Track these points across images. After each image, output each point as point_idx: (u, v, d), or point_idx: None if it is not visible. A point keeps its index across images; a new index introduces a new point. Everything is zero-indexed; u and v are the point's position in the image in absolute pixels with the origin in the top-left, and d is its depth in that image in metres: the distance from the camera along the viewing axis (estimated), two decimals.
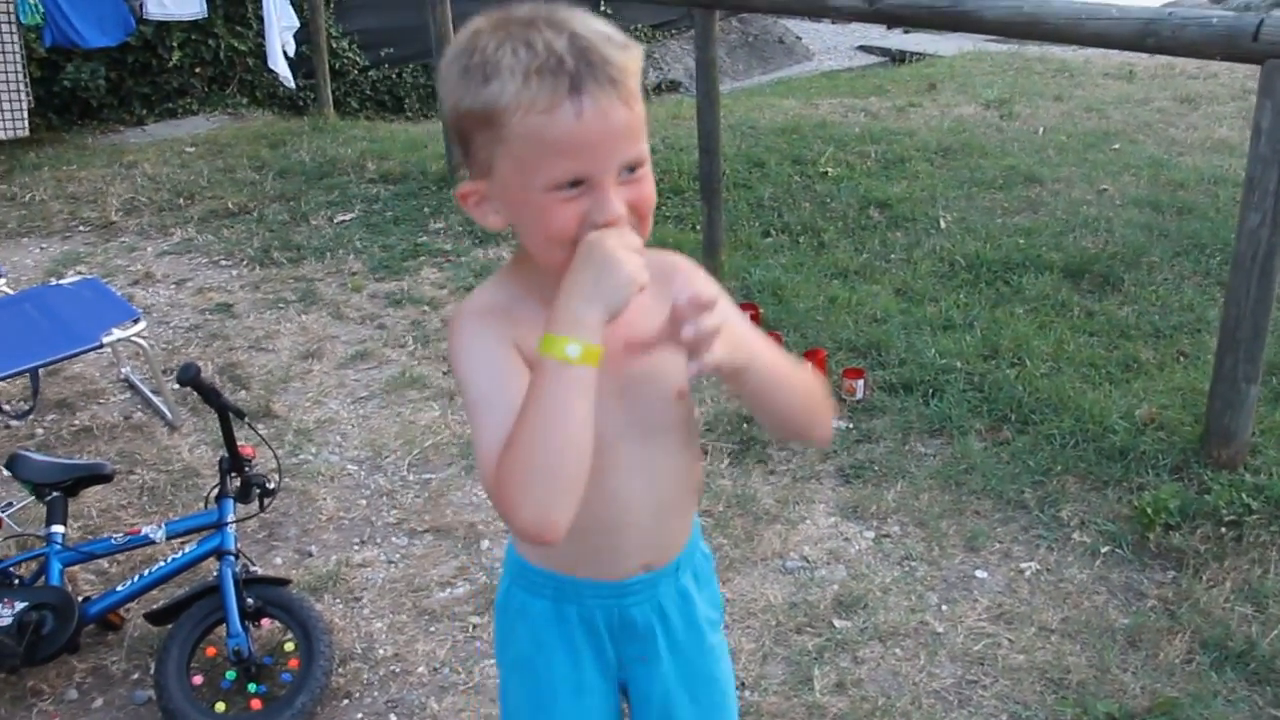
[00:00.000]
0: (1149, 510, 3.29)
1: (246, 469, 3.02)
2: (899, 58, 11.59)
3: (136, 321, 3.98)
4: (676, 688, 1.64)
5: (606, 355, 1.26)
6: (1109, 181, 6.24)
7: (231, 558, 2.86)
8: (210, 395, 2.93)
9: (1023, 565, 3.21)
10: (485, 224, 1.35)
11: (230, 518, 2.95)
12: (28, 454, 3.08)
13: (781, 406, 1.47)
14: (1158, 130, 7.38)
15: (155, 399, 4.26)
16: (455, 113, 1.27)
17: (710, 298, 1.25)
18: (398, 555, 3.33)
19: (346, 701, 2.79)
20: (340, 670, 2.87)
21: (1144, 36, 3.34)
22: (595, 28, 1.25)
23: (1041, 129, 7.41)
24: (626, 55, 1.24)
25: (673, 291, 1.29)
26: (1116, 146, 6.94)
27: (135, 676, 2.91)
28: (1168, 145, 7.00)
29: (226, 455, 3.00)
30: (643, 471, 1.48)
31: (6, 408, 4.12)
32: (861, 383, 4.02)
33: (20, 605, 2.79)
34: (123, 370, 4.50)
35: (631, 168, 1.27)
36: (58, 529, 2.99)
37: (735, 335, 1.33)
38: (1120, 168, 6.50)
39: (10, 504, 3.11)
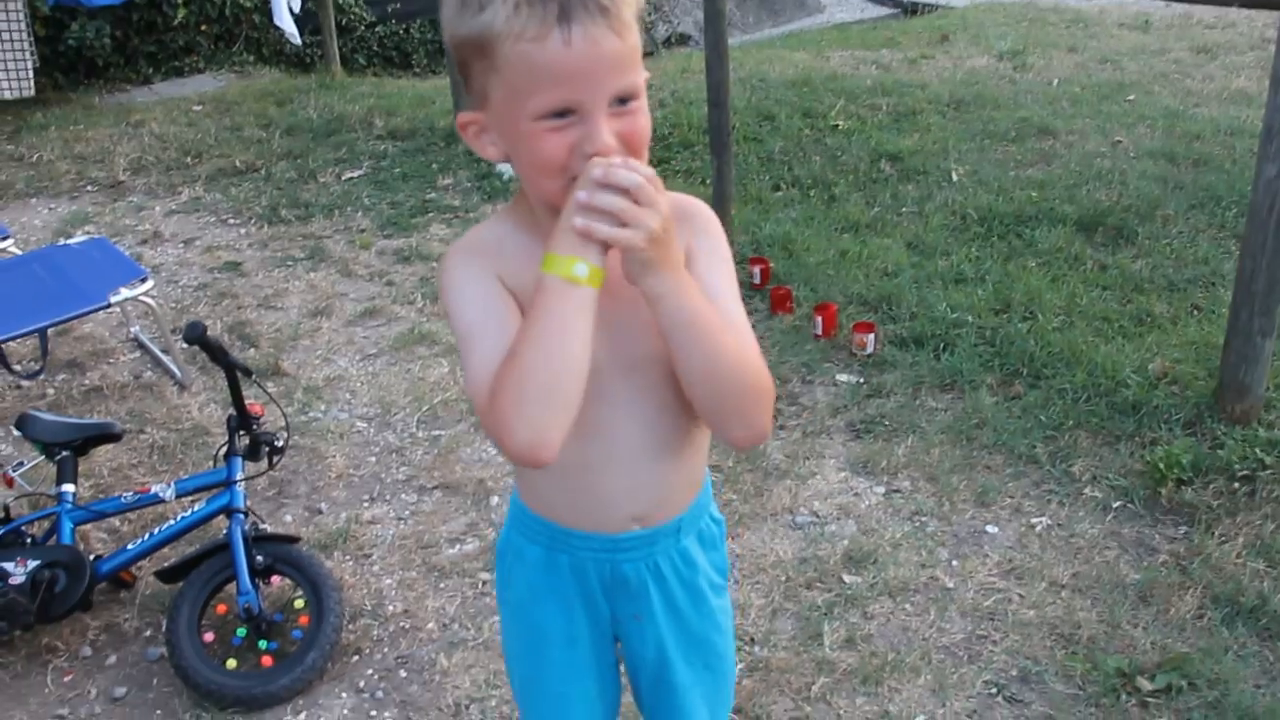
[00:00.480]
0: (1161, 465, 3.27)
1: (255, 427, 3.01)
2: (911, 9, 11.44)
3: (144, 280, 3.97)
4: (671, 649, 1.63)
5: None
6: (1123, 133, 6.17)
7: (241, 515, 2.87)
8: (217, 353, 2.92)
9: (1034, 520, 3.20)
10: (484, 154, 1.35)
11: (239, 476, 2.96)
12: (38, 414, 3.08)
13: (696, 370, 1.34)
14: (1173, 81, 7.28)
15: (164, 358, 4.26)
16: (453, 41, 1.27)
17: (623, 180, 1.21)
18: (407, 512, 3.34)
19: (357, 658, 2.80)
20: (350, 627, 2.88)
21: None
22: None
23: (1055, 81, 7.32)
24: None
25: (683, 234, 1.34)
26: (1131, 98, 6.86)
27: (147, 634, 2.92)
28: (1183, 96, 6.91)
29: (234, 413, 3.00)
30: (628, 406, 1.44)
31: (17, 368, 4.13)
32: (872, 337, 4.00)
33: (33, 563, 2.79)
34: (132, 329, 4.50)
35: (623, 99, 1.25)
36: (68, 488, 3.00)
37: (695, 282, 1.32)
38: (1135, 119, 6.42)
39: (21, 463, 3.11)
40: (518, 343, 1.26)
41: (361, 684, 2.72)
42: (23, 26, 7.09)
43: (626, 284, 1.32)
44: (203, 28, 8.80)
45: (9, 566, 2.79)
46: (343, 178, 6.14)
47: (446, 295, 1.39)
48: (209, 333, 2.89)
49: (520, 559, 1.61)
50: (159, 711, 2.68)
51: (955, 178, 5.60)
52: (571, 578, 1.58)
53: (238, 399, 2.97)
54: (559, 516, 1.55)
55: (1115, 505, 3.23)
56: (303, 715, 2.63)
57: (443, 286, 1.40)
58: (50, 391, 4.12)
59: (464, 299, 1.37)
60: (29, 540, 2.94)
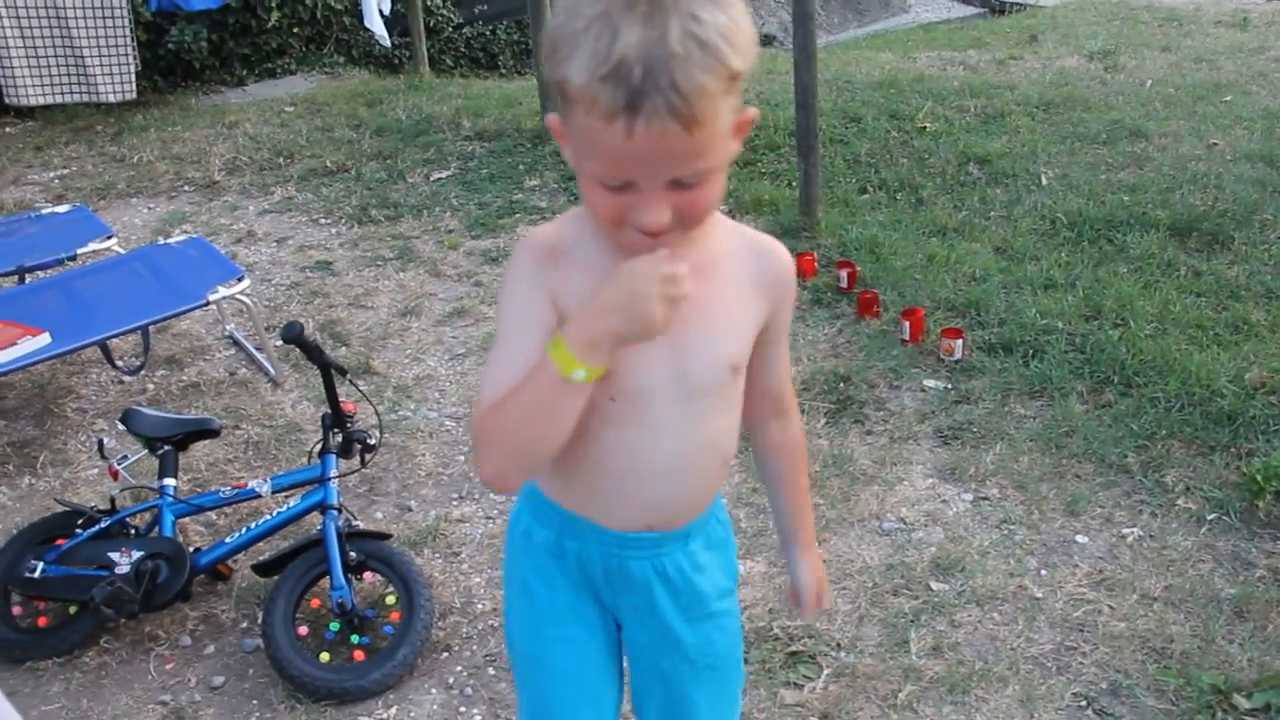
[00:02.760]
0: (1258, 477, 3.20)
1: (348, 425, 3.08)
2: (998, 8, 11.31)
3: (241, 279, 4.07)
4: (670, 646, 1.65)
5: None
6: (1219, 135, 6.03)
7: (334, 512, 2.93)
8: (313, 352, 2.99)
9: (1125, 531, 3.15)
10: (565, 156, 1.35)
11: (333, 473, 3.02)
12: (141, 409, 3.18)
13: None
14: (1273, 81, 7.10)
15: (259, 355, 4.36)
16: (545, 64, 1.26)
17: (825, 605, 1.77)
18: (495, 511, 3.38)
19: (446, 654, 2.85)
20: (440, 624, 2.93)
21: None
22: (696, 29, 1.15)
23: (1148, 81, 7.18)
24: (708, 75, 1.16)
25: (753, 271, 1.49)
26: (1228, 99, 6.70)
27: (244, 625, 3.00)
28: None
29: (329, 411, 3.07)
30: (673, 431, 1.49)
31: (119, 364, 4.26)
32: (960, 343, 3.96)
33: (137, 554, 2.89)
34: (227, 327, 4.62)
35: (693, 181, 1.25)
36: (169, 481, 3.10)
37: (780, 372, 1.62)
38: (1232, 121, 6.27)
39: (125, 456, 3.22)
40: (509, 402, 1.34)
41: (450, 680, 2.76)
42: (126, 31, 7.30)
43: (693, 321, 1.40)
44: (295, 30, 8.99)
45: (115, 556, 2.89)
46: (431, 178, 6.23)
47: (502, 287, 1.45)
48: (305, 332, 2.96)
49: (529, 539, 1.63)
50: (255, 701, 2.75)
51: (1044, 181, 5.53)
52: (577, 564, 1.61)
53: (333, 397, 3.04)
54: (574, 507, 1.57)
55: (1210, 517, 3.17)
56: (394, 710, 2.68)
57: (505, 275, 1.45)
58: (150, 387, 4.24)
59: (510, 298, 1.42)
60: (133, 531, 3.05)
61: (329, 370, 3.01)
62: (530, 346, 1.36)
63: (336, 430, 3.09)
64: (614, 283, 1.32)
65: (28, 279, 4.43)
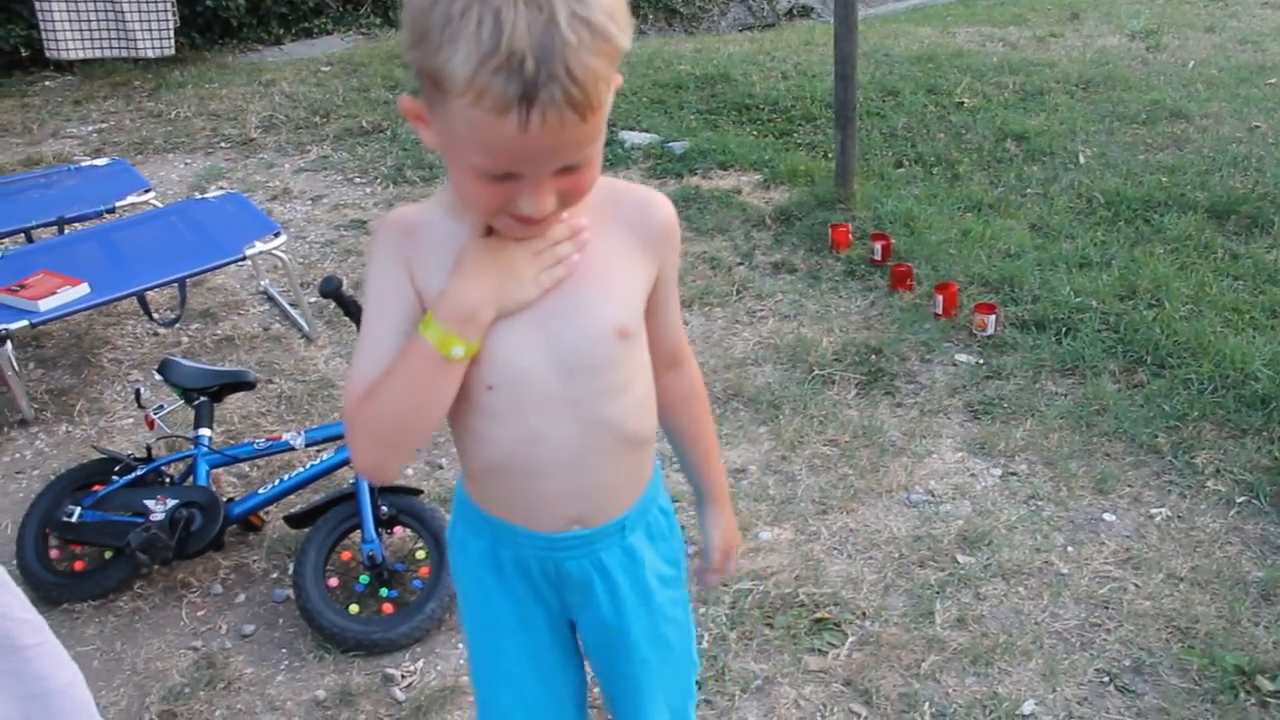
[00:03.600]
0: None
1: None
2: None
3: (277, 235, 4.10)
4: (619, 640, 1.60)
5: None
6: (1262, 118, 5.97)
7: None
8: (351, 307, 3.00)
9: (1153, 511, 3.14)
10: (422, 140, 1.26)
11: None
12: (178, 360, 3.22)
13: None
14: None
15: (293, 311, 4.39)
16: (408, 50, 1.14)
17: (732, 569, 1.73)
18: None
19: None
20: None
21: None
22: (582, 11, 1.08)
23: (1191, 62, 7.10)
24: (599, 61, 1.10)
25: (636, 227, 1.40)
26: (1273, 81, 6.63)
27: (274, 575, 3.04)
28: None
29: None
30: (562, 414, 1.39)
31: (156, 315, 4.30)
32: (993, 318, 3.95)
33: (172, 502, 2.93)
34: (262, 282, 4.65)
35: (575, 166, 1.20)
36: (204, 432, 3.13)
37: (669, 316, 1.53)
38: (1275, 104, 6.21)
39: (161, 406, 3.26)
40: (383, 387, 1.28)
41: None
42: None
43: (567, 289, 1.33)
44: None
45: (151, 504, 2.93)
46: None
47: (367, 265, 1.39)
48: (343, 287, 2.98)
49: (465, 551, 1.57)
50: (284, 650, 2.79)
51: (1082, 160, 5.49)
52: (516, 572, 1.54)
53: None
54: (500, 513, 1.50)
55: (1239, 500, 3.16)
56: (420, 663, 2.72)
57: (367, 254, 1.40)
58: (185, 340, 4.28)
59: (371, 280, 1.35)
60: (168, 480, 3.09)
61: None
62: (394, 329, 1.31)
63: None
64: (478, 246, 1.28)
65: (67, 230, 4.47)
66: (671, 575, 1.62)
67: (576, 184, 1.22)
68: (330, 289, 2.93)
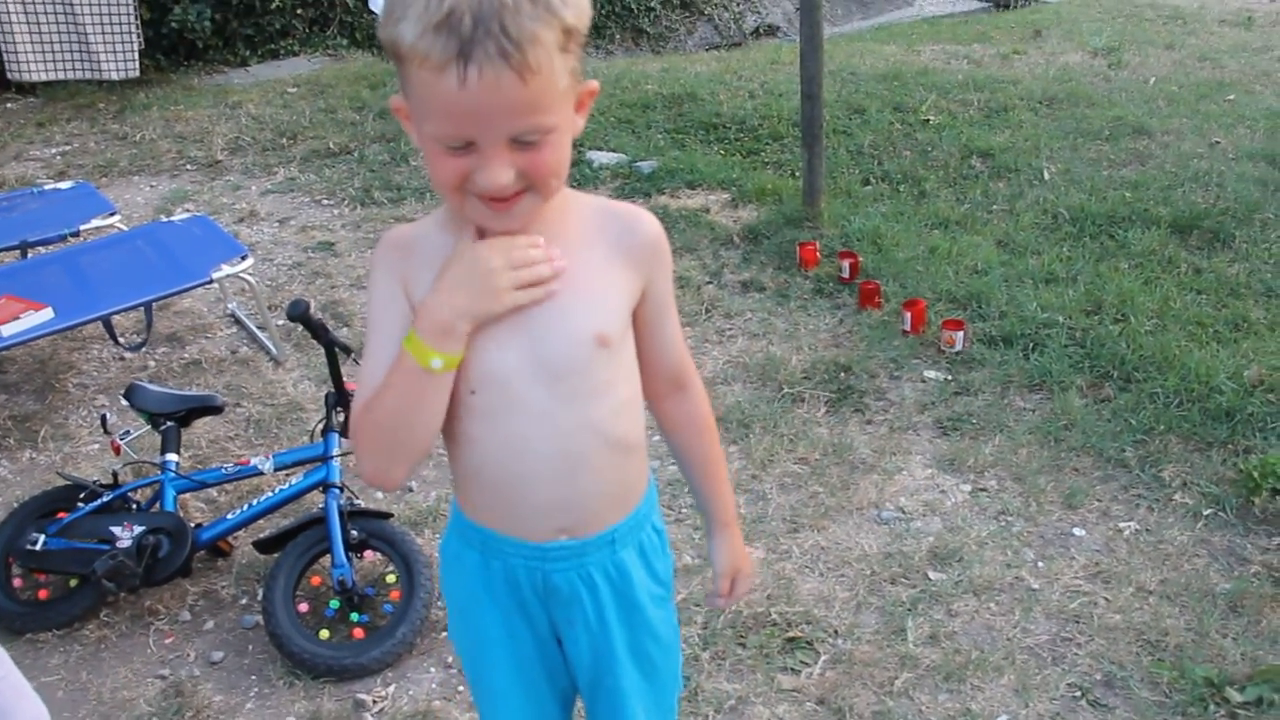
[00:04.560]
0: (1255, 474, 3.22)
1: (351, 404, 3.09)
2: (1003, 3, 11.30)
3: (244, 258, 4.07)
4: (606, 657, 1.59)
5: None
6: (1222, 134, 6.05)
7: (337, 490, 2.94)
8: (318, 331, 2.99)
9: (1122, 524, 3.17)
10: (410, 137, 1.32)
11: (335, 451, 3.03)
12: (145, 385, 3.19)
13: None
14: (1277, 80, 7.13)
15: (260, 334, 4.37)
16: (379, 31, 1.23)
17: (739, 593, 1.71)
18: None
19: (444, 634, 2.86)
20: (439, 604, 2.93)
21: None
22: None
23: (1152, 79, 7.20)
24: (539, 24, 1.16)
25: (616, 239, 1.43)
26: (1231, 97, 6.72)
27: (243, 601, 3.01)
28: None
29: (333, 390, 3.07)
30: (544, 419, 1.41)
31: (121, 340, 4.26)
32: (961, 334, 3.97)
33: (139, 529, 2.90)
34: (229, 305, 4.62)
35: (528, 138, 1.22)
36: (172, 457, 3.11)
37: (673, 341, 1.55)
38: (1235, 120, 6.29)
39: (128, 432, 3.22)
40: (376, 400, 1.36)
41: (450, 660, 2.77)
42: (130, 9, 7.29)
43: (552, 292, 1.36)
44: (298, 11, 8.96)
45: (117, 530, 2.90)
46: None
47: (367, 283, 1.47)
48: (310, 310, 2.96)
49: (459, 563, 1.58)
50: (254, 677, 2.76)
51: (1047, 176, 5.54)
52: (505, 584, 1.54)
53: (336, 376, 3.04)
54: (490, 523, 1.51)
55: (1206, 513, 3.19)
56: (392, 688, 2.70)
57: (368, 272, 1.46)
58: (151, 364, 4.25)
59: (371, 296, 1.42)
60: (134, 506, 3.06)
61: (333, 349, 3.02)
62: (391, 343, 1.36)
63: (339, 409, 3.09)
64: (456, 261, 1.32)
65: (30, 254, 4.43)
66: (661, 594, 1.63)
67: (535, 162, 1.24)
68: (298, 312, 2.91)
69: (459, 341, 1.31)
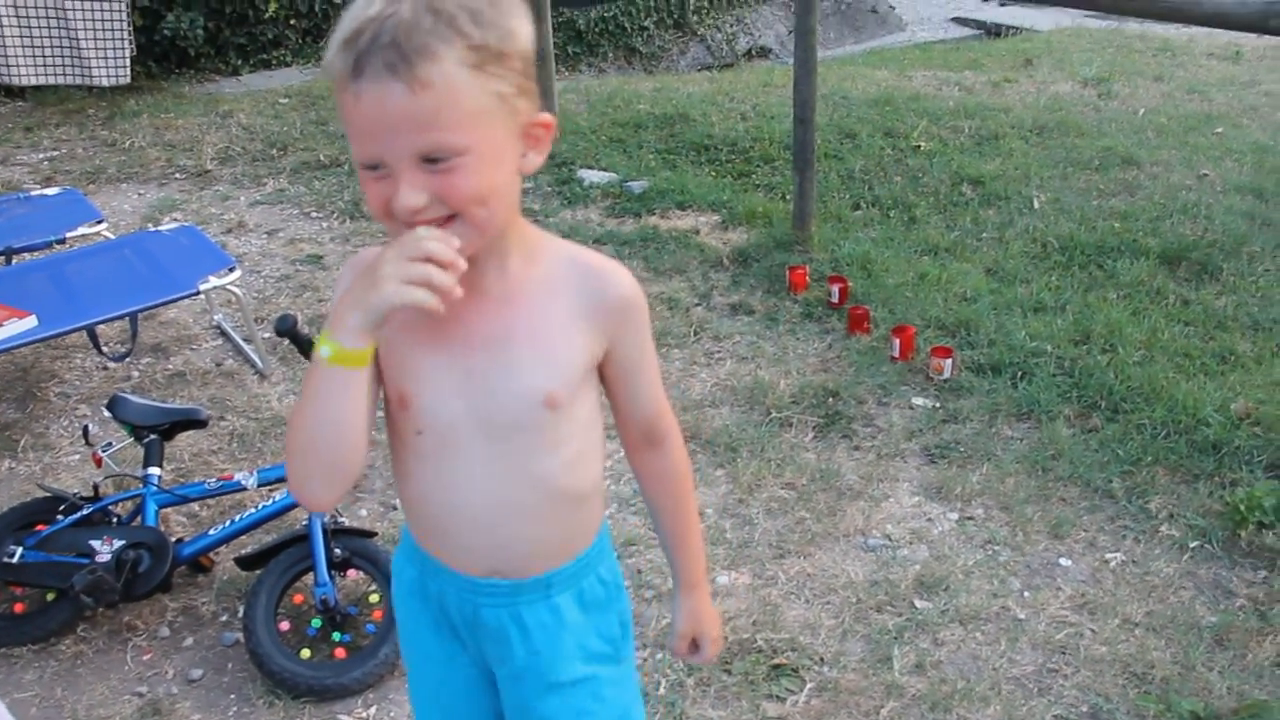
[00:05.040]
0: (1242, 507, 3.22)
1: None
2: (994, 31, 11.37)
3: (232, 270, 4.04)
4: (532, 701, 1.54)
5: (458, 336, 1.34)
6: (1210, 166, 6.08)
7: None
8: (305, 345, 2.95)
9: (1108, 555, 3.16)
10: None
11: None
12: (128, 397, 3.16)
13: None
14: (1264, 115, 7.17)
15: (246, 347, 4.34)
16: None
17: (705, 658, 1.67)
18: None
19: None
20: None
21: (1267, 18, 3.23)
22: (437, 3, 1.16)
23: (1141, 110, 7.24)
24: (435, 39, 1.15)
25: (578, 297, 1.38)
26: (1219, 130, 6.76)
27: (224, 619, 2.98)
28: (1273, 131, 6.81)
29: None
30: (483, 470, 1.40)
31: (105, 350, 4.23)
32: (949, 362, 3.97)
33: (119, 543, 2.87)
34: (215, 317, 4.59)
35: (434, 158, 1.19)
36: (154, 471, 3.07)
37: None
38: (1223, 152, 6.33)
39: (110, 444, 3.18)
40: (294, 407, 1.38)
41: None
42: (123, 16, 7.25)
43: (500, 347, 1.35)
44: (292, 22, 8.96)
45: (97, 544, 2.86)
46: None
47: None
48: (298, 325, 2.94)
49: (401, 577, 1.59)
50: (233, 696, 2.73)
51: (1037, 205, 5.56)
52: (438, 606, 1.54)
53: None
54: (427, 547, 1.51)
55: (1192, 545, 3.19)
56: (373, 709, 2.67)
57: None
58: (135, 375, 4.21)
59: None
60: (115, 520, 3.02)
61: None
62: None
63: None
64: (365, 260, 1.31)
65: (14, 261, 4.40)
66: (605, 652, 1.56)
67: (448, 186, 1.20)
68: (285, 327, 2.88)
69: (350, 334, 1.25)
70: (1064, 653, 2.81)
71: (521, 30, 1.22)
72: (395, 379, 1.39)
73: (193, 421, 3.20)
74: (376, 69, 1.14)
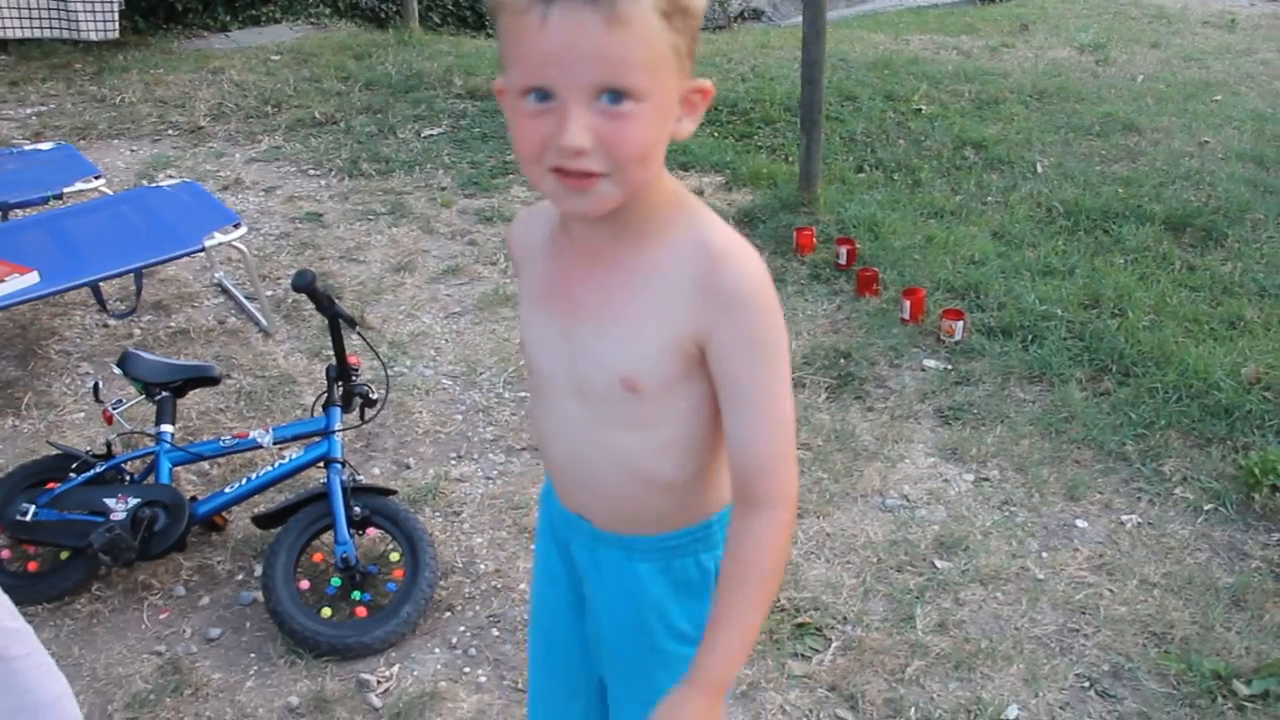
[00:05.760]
0: (1255, 470, 3.23)
1: (353, 378, 3.03)
2: None
3: (237, 226, 3.98)
4: (608, 651, 1.55)
5: (561, 293, 1.35)
6: (1210, 134, 6.08)
7: (339, 465, 2.89)
8: (323, 303, 2.92)
9: (1124, 517, 3.17)
10: (506, 116, 1.24)
11: (337, 425, 2.97)
12: (140, 353, 3.11)
13: None
14: (1261, 83, 7.16)
15: (249, 305, 4.28)
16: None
17: None
18: (495, 472, 3.35)
19: (449, 614, 2.82)
20: (442, 583, 2.89)
21: None
22: None
23: (1139, 76, 7.22)
24: None
25: (689, 275, 1.26)
26: (1218, 98, 6.75)
27: (239, 578, 2.95)
28: (1272, 98, 6.80)
29: (335, 363, 3.01)
30: (567, 427, 1.41)
31: (108, 307, 4.17)
32: (961, 324, 3.96)
33: (134, 501, 2.83)
34: (216, 274, 4.53)
35: (615, 96, 1.13)
36: (167, 428, 3.04)
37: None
38: (1222, 120, 6.32)
39: (120, 401, 3.14)
40: None
41: (454, 640, 2.73)
42: None
43: (593, 312, 1.32)
44: None
45: (111, 503, 2.83)
46: (422, 134, 6.14)
47: None
48: (316, 281, 2.89)
49: (544, 491, 1.64)
50: (253, 655, 2.71)
51: (1040, 169, 5.54)
52: (551, 526, 1.59)
53: (339, 349, 2.99)
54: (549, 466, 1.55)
55: (1207, 507, 3.20)
56: (396, 668, 2.65)
57: None
58: (136, 332, 4.15)
59: None
60: (128, 478, 2.98)
61: (337, 322, 2.96)
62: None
63: (340, 382, 3.03)
64: None
65: (10, 217, 4.32)
66: (692, 636, 1.42)
67: (618, 134, 1.14)
68: (304, 283, 2.85)
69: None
70: (1084, 613, 2.82)
71: None
72: (520, 320, 1.44)
73: (206, 378, 3.16)
74: None
